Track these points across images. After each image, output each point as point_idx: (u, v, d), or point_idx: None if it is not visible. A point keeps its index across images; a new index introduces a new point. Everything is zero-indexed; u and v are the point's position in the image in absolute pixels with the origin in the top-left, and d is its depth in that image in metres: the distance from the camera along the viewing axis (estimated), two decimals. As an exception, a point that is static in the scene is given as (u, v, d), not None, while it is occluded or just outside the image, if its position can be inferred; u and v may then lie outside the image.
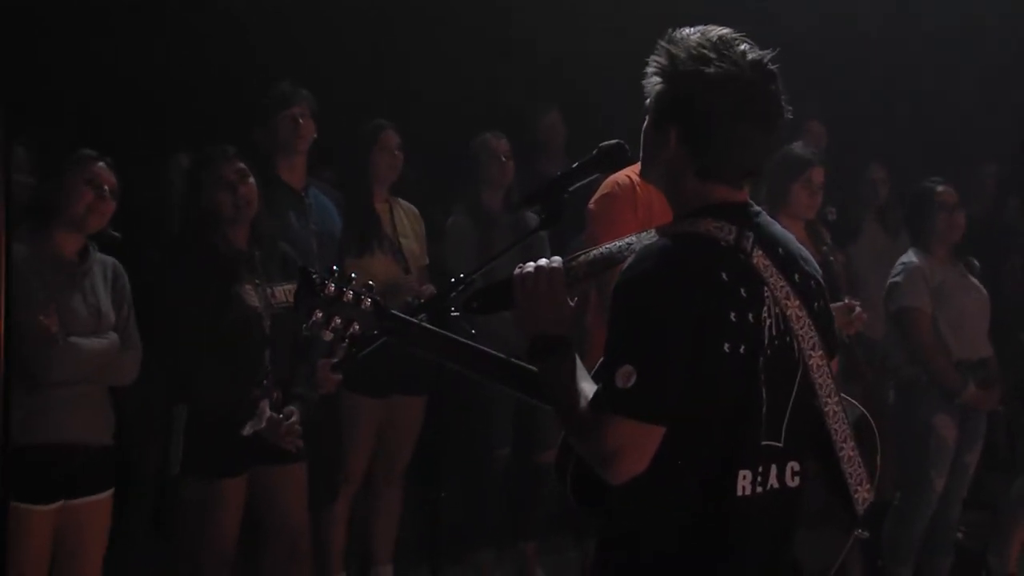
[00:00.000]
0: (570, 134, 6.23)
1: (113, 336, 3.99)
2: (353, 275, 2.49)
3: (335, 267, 2.51)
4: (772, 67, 2.23)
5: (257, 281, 4.20)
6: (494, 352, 2.45)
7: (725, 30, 2.24)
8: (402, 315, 2.48)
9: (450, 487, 2.89)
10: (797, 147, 4.99)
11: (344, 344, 2.46)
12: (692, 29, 2.24)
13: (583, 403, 2.16)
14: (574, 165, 2.53)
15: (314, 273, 2.46)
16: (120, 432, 4.12)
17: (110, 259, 4.10)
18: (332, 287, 2.44)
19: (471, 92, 6.29)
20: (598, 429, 2.09)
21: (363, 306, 2.45)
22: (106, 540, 4.04)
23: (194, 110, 5.48)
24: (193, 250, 4.18)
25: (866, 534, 2.57)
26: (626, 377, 2.06)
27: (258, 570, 4.55)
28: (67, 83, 5.30)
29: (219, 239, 4.17)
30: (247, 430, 4.09)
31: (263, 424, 4.11)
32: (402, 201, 5.29)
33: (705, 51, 2.19)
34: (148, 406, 4.76)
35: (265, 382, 4.17)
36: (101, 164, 3.96)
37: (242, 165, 4.21)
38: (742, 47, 2.21)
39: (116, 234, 4.23)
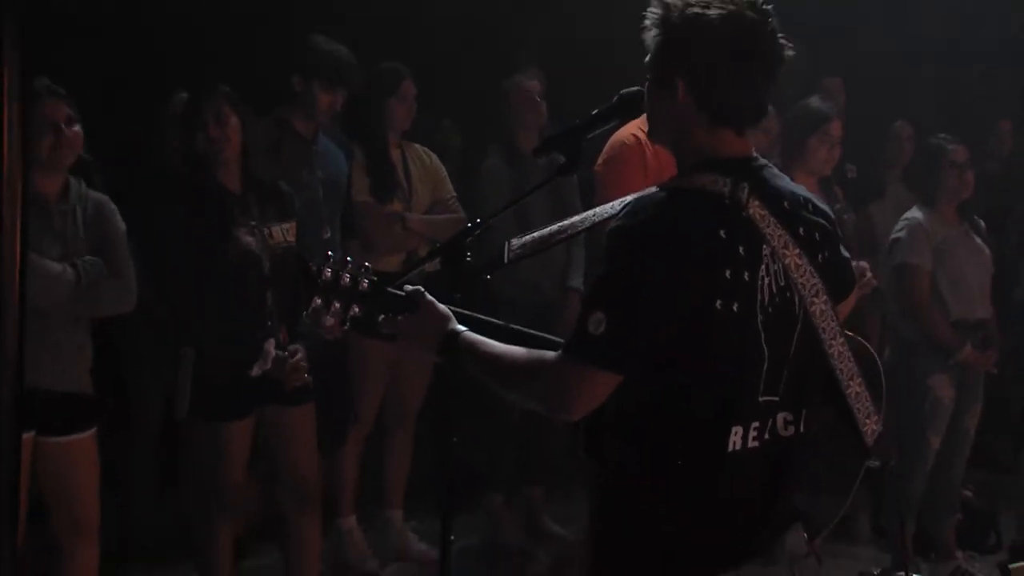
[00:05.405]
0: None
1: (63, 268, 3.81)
2: (349, 258, 2.50)
3: (330, 253, 2.52)
4: (768, 7, 2.23)
5: (253, 222, 4.18)
6: (495, 320, 2.49)
7: None
8: (400, 292, 2.49)
9: (462, 432, 2.89)
10: (814, 101, 4.95)
11: (346, 327, 2.50)
12: None
13: (506, 357, 2.27)
14: (594, 112, 2.55)
15: (310, 260, 2.48)
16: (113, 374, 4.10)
17: (96, 197, 3.98)
18: (328, 272, 2.45)
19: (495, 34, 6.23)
20: (560, 370, 2.15)
21: (361, 287, 2.47)
22: (96, 479, 3.98)
23: (201, 49, 5.43)
24: (185, 191, 4.18)
25: (877, 463, 2.59)
26: (596, 324, 2.11)
27: (269, 513, 4.57)
28: (69, 18, 5.24)
29: (209, 180, 4.15)
30: (255, 371, 4.09)
31: (269, 364, 4.12)
32: (416, 145, 5.27)
33: None
34: (149, 348, 4.77)
35: (269, 323, 4.16)
36: (51, 101, 3.82)
37: (226, 107, 4.16)
38: None
39: (87, 156, 4.10)
